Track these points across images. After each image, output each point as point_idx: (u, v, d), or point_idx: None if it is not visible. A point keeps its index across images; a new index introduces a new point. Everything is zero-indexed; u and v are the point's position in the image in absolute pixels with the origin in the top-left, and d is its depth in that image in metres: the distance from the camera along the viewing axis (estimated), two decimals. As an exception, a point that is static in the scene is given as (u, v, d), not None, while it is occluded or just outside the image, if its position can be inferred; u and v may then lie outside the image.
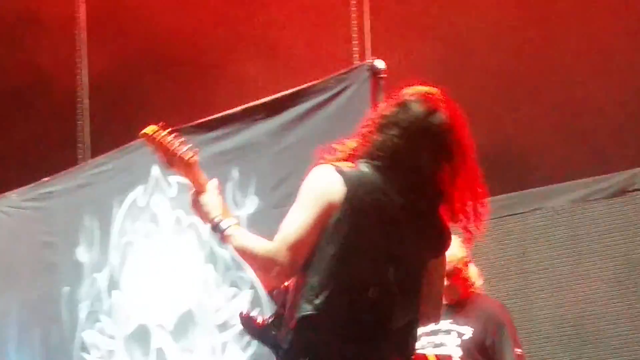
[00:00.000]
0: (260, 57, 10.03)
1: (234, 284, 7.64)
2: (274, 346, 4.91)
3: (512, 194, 9.09)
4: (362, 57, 8.18)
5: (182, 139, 5.19)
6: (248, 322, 5.04)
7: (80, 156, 9.85)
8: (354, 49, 8.64)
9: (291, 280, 4.90)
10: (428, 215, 4.84)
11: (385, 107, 4.92)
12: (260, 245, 4.79)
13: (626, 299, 8.79)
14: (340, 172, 4.69)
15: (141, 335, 8.14)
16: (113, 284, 8.34)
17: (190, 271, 7.96)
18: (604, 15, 9.48)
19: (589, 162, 9.32)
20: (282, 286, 4.97)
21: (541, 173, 9.29)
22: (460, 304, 7.53)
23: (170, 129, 5.16)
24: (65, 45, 10.92)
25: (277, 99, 7.50)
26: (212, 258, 7.72)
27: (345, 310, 4.77)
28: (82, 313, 8.47)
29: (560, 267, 8.83)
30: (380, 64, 6.92)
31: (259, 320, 5.05)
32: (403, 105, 4.84)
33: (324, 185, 4.72)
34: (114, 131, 10.16)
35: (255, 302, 7.50)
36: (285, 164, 7.38)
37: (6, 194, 8.90)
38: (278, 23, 10.56)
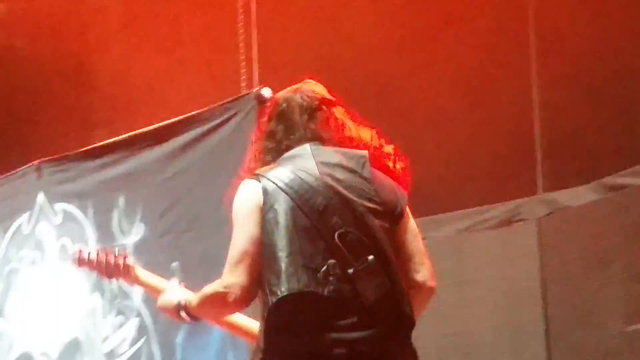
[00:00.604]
0: (149, 84, 10.06)
1: (120, 312, 7.57)
2: None
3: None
4: (250, 86, 8.16)
5: (110, 250, 5.48)
6: None
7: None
8: (242, 77, 8.61)
9: None
10: (359, 174, 4.88)
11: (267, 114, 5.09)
12: (210, 286, 4.85)
13: (509, 329, 8.75)
14: (257, 177, 4.79)
15: None
16: None
17: (76, 299, 7.87)
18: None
19: (475, 193, 9.33)
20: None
21: (430, 203, 9.16)
22: None
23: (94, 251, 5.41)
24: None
25: (163, 126, 7.50)
26: (98, 286, 7.65)
27: (310, 284, 4.74)
28: None
29: (445, 296, 8.84)
30: (267, 92, 6.86)
31: None
32: (276, 103, 5.09)
33: (247, 198, 4.78)
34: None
35: (141, 330, 7.45)
36: (172, 192, 7.40)
37: None
38: (168, 49, 10.59)
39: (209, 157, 7.24)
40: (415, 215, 9.05)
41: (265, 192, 4.78)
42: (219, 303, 4.87)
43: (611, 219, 8.45)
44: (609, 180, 8.52)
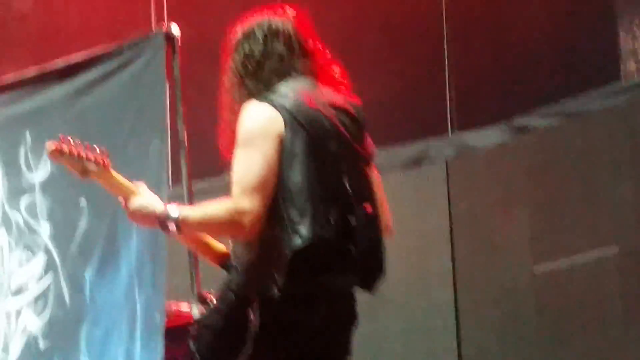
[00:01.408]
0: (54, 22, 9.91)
1: (27, 248, 7.44)
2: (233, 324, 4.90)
3: None
4: (160, 22, 8.13)
5: (88, 145, 5.26)
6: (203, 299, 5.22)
7: None
8: (152, 14, 8.76)
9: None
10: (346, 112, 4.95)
11: (240, 40, 5.05)
12: (219, 208, 4.82)
13: (418, 270, 9.00)
14: (269, 102, 4.77)
15: None
16: None
17: None
18: None
19: (383, 131, 9.09)
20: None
21: None
22: None
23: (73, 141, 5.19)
24: None
25: (71, 63, 7.33)
26: (5, 221, 7.52)
27: (332, 231, 4.81)
28: None
29: None
30: (175, 30, 6.81)
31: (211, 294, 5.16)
32: (269, 22, 5.04)
33: (264, 121, 4.77)
34: None
35: (49, 265, 7.32)
36: (79, 128, 7.06)
37: None
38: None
39: (118, 94, 7.16)
40: None
41: (285, 123, 4.74)
42: (231, 228, 4.83)
43: (517, 160, 8.56)
44: (517, 121, 8.69)
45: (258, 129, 4.78)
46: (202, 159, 6.92)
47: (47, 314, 7.33)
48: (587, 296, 8.13)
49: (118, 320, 6.95)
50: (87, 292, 7.09)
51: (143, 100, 7.06)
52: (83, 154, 5.24)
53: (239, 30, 5.11)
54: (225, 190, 5.02)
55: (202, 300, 5.21)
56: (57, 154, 5.24)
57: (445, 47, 9.37)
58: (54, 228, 7.27)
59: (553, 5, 9.00)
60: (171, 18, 8.28)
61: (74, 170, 5.29)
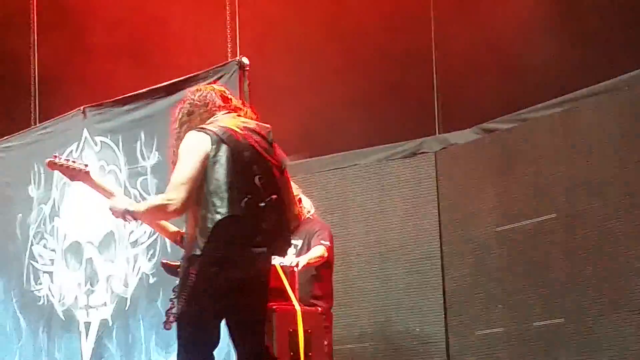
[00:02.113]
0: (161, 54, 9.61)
1: None
2: (184, 276, 5.09)
3: (336, 154, 9.36)
4: (234, 55, 8.11)
5: (74, 159, 5.55)
6: (167, 266, 5.41)
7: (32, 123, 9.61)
8: (229, 50, 8.56)
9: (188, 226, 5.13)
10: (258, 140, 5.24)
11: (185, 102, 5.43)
12: (156, 198, 5.30)
13: (414, 230, 8.84)
14: (202, 129, 5.08)
15: (75, 249, 8.03)
16: (54, 212, 8.22)
17: None
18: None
19: (386, 132, 9.26)
20: (180, 235, 5.35)
21: (352, 139, 9.37)
22: (301, 225, 7.81)
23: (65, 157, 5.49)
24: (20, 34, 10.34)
25: (172, 83, 7.38)
26: (126, 193, 7.45)
27: (242, 211, 5.07)
28: (32, 232, 8.34)
29: (369, 204, 9.04)
30: (245, 60, 6.93)
31: (174, 263, 5.32)
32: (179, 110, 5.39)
33: (196, 143, 5.03)
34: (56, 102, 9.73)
35: None
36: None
37: None
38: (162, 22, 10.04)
39: None
40: (341, 150, 9.01)
41: (212, 141, 5.05)
42: (162, 211, 5.09)
43: (485, 153, 8.57)
44: (485, 125, 8.67)
45: (190, 147, 5.09)
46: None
47: (155, 259, 7.44)
48: (533, 247, 8.09)
49: None
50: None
51: None
52: (68, 165, 5.40)
53: (187, 97, 5.45)
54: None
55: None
56: (52, 165, 5.42)
57: (434, 68, 9.09)
58: None
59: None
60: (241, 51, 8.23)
61: (65, 175, 5.49)
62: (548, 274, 7.96)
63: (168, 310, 5.17)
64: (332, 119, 9.25)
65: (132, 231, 7.60)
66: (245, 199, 5.10)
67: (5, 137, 8.54)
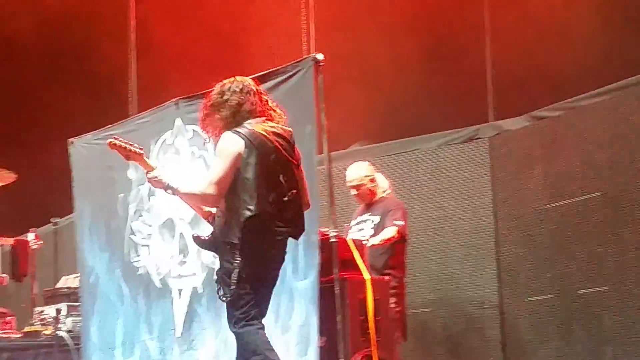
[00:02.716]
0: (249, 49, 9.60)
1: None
2: (215, 249, 5.77)
3: (401, 140, 9.41)
4: (308, 51, 8.21)
5: (130, 143, 5.90)
6: (198, 239, 5.84)
7: (131, 112, 9.83)
8: (303, 46, 8.79)
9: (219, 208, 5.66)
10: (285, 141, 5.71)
11: (217, 96, 5.82)
12: (195, 187, 5.68)
13: (472, 209, 8.82)
14: (237, 132, 5.50)
15: (169, 225, 7.96)
16: (151, 192, 8.15)
17: None
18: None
19: (447, 119, 9.39)
20: (212, 215, 5.77)
21: (415, 126, 9.44)
22: (374, 203, 7.95)
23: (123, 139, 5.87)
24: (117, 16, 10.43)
25: (261, 75, 7.18)
26: None
27: (267, 207, 5.59)
28: (131, 210, 8.32)
29: (430, 184, 9.10)
30: (320, 56, 6.88)
31: (205, 237, 5.80)
32: (224, 91, 5.75)
33: (232, 144, 5.49)
34: (153, 92, 9.87)
35: None
36: None
37: (82, 135, 8.73)
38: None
39: (286, 95, 7.05)
40: (402, 136, 8.81)
41: (245, 144, 5.50)
42: (197, 200, 5.72)
43: (535, 138, 8.56)
44: (535, 113, 8.66)
45: (226, 148, 5.59)
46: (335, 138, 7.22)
47: None
48: (579, 223, 8.09)
49: None
50: None
51: (301, 100, 7.00)
52: (126, 146, 5.81)
53: (223, 86, 5.83)
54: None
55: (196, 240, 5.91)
56: (112, 146, 5.82)
57: (489, 61, 9.12)
58: None
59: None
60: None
61: (121, 154, 5.89)
62: (592, 246, 7.96)
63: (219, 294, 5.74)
64: (397, 108, 9.34)
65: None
66: (272, 195, 5.58)
67: (108, 126, 8.61)
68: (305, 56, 7.19)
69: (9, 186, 8.93)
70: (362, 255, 7.09)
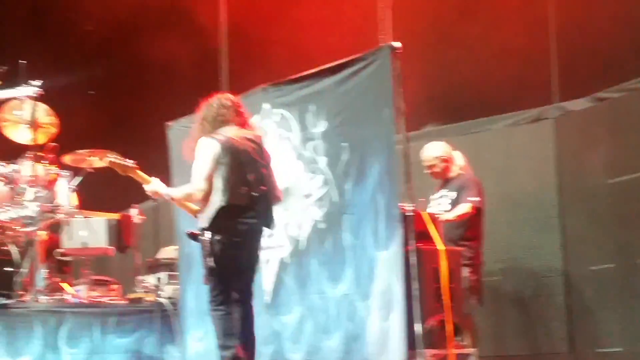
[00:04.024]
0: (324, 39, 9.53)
1: (312, 171, 7.51)
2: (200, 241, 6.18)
3: (472, 120, 9.42)
4: (386, 39, 7.99)
5: (124, 159, 6.48)
6: (191, 235, 6.30)
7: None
8: (380, 35, 8.76)
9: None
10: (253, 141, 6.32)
11: (203, 109, 6.40)
12: (188, 187, 6.22)
13: (537, 183, 8.73)
14: (214, 137, 6.16)
15: None
16: None
17: (288, 164, 7.71)
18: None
19: (514, 100, 9.23)
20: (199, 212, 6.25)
21: (481, 108, 9.35)
22: (450, 180, 7.95)
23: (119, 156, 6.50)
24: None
25: (338, 64, 7.33)
26: (300, 156, 7.60)
27: (237, 199, 6.15)
28: None
29: (499, 162, 8.99)
30: (397, 44, 6.83)
31: (195, 231, 6.26)
32: (206, 106, 6.42)
33: (210, 147, 6.16)
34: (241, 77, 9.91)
35: (325, 181, 7.36)
36: (341, 103, 7.30)
37: (179, 119, 8.64)
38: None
39: (363, 83, 7.10)
40: (472, 117, 8.89)
41: (221, 148, 6.07)
42: (192, 197, 6.23)
43: (599, 119, 8.44)
44: (599, 94, 8.55)
45: (205, 151, 6.17)
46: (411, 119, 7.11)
47: (325, 208, 7.40)
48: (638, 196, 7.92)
49: (366, 212, 7.00)
50: (347, 196, 7.20)
51: (379, 85, 6.97)
52: (121, 162, 6.45)
53: (206, 102, 6.43)
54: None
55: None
56: (110, 164, 6.47)
57: (553, 41, 8.96)
58: (329, 159, 7.38)
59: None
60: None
61: (118, 171, 6.51)
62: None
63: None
64: (468, 90, 9.26)
65: (304, 186, 7.64)
66: (243, 190, 6.15)
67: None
68: (382, 44, 7.13)
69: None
70: (437, 228, 7.11)
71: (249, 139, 6.36)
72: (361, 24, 9.33)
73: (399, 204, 6.84)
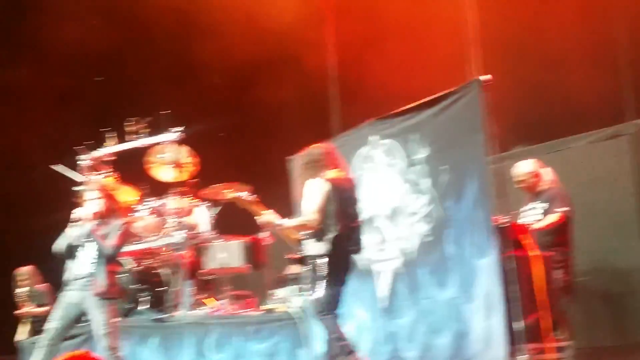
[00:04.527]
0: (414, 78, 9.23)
1: (417, 192, 7.59)
2: (302, 264, 6.69)
3: (555, 140, 9.48)
4: (476, 74, 7.83)
5: (242, 192, 6.79)
6: (292, 259, 6.76)
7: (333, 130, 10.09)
8: (472, 68, 8.70)
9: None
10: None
11: (303, 157, 6.76)
12: (302, 218, 6.56)
13: (616, 194, 8.76)
14: (324, 179, 6.57)
15: (370, 220, 7.98)
16: None
17: (395, 186, 7.81)
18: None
19: (591, 119, 9.19)
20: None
21: (560, 129, 9.33)
22: (540, 193, 7.87)
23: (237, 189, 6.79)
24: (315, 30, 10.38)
25: (434, 97, 7.43)
26: (406, 180, 7.69)
27: (344, 230, 6.50)
28: None
29: (581, 177, 8.88)
30: (485, 78, 6.93)
31: (297, 255, 6.77)
32: (307, 154, 6.79)
33: (322, 187, 6.56)
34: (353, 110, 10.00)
35: (430, 200, 7.43)
36: (439, 131, 7.40)
37: (299, 153, 8.52)
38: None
39: (456, 114, 7.20)
40: (557, 137, 9.04)
41: (330, 187, 6.49)
42: (304, 227, 6.53)
43: None
44: None
45: (317, 188, 6.54)
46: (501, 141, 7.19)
47: (431, 224, 7.48)
48: None
49: (466, 225, 7.12)
50: (449, 212, 7.28)
51: (471, 113, 7.08)
52: (239, 195, 6.78)
53: (305, 152, 6.83)
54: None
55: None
56: (235, 199, 6.82)
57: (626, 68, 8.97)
58: (432, 181, 7.49)
59: None
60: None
61: (237, 203, 6.83)
62: None
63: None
64: (553, 111, 9.25)
65: (409, 205, 7.69)
66: (345, 222, 6.53)
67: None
68: (473, 79, 7.21)
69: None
70: (529, 237, 7.20)
71: (347, 180, 6.80)
72: (451, 58, 9.33)
73: (494, 216, 6.95)
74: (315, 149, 6.83)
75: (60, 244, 7.59)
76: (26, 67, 12.00)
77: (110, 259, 7.59)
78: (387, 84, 9.65)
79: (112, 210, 7.67)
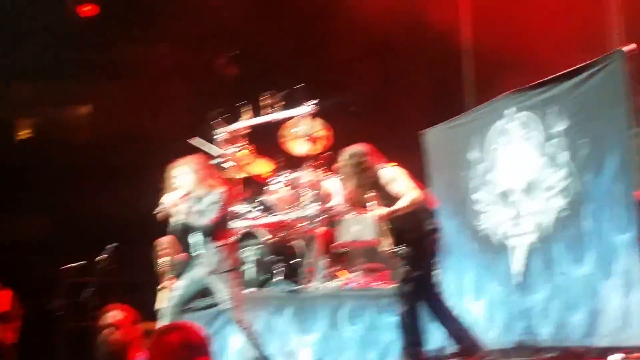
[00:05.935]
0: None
1: (554, 165, 7.48)
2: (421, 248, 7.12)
3: None
4: (617, 44, 7.81)
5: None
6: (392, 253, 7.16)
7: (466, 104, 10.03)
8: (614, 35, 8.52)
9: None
10: None
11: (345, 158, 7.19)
12: (406, 199, 6.95)
13: None
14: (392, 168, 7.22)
15: (505, 194, 8.01)
16: (487, 169, 8.27)
17: (531, 159, 7.73)
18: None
19: None
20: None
21: None
22: None
23: None
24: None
25: (574, 69, 7.35)
26: (543, 153, 7.61)
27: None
28: (470, 185, 8.44)
29: None
30: (629, 47, 6.77)
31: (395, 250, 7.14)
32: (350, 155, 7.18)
33: (397, 171, 7.05)
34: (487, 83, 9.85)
35: (569, 173, 7.32)
36: (579, 104, 7.30)
37: (433, 126, 9.00)
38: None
39: (594, 88, 7.12)
40: None
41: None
42: (417, 203, 6.91)
43: None
44: None
45: (398, 172, 7.03)
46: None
47: (568, 198, 7.38)
48: None
49: (605, 200, 6.99)
50: (588, 186, 7.18)
51: (612, 87, 6.97)
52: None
53: (345, 154, 7.16)
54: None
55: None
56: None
57: None
58: (570, 154, 7.39)
59: None
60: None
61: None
62: None
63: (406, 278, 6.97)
64: None
65: (544, 180, 7.63)
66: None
67: (453, 118, 8.92)
68: (615, 49, 7.07)
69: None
70: None
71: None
72: (591, 26, 9.17)
73: (635, 191, 6.79)
74: (354, 149, 7.10)
75: (175, 226, 7.64)
76: (164, 43, 12.65)
77: (216, 234, 7.57)
78: (522, 55, 9.54)
79: (204, 183, 7.58)
